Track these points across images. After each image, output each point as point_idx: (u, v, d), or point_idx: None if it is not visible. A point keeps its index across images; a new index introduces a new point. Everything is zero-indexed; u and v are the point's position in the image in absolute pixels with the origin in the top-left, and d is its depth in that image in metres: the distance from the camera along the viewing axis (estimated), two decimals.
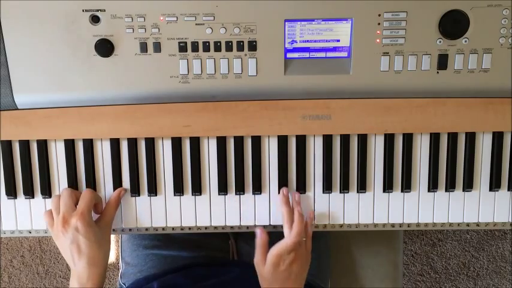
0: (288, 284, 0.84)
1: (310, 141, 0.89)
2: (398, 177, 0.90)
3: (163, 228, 0.92)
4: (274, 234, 0.88)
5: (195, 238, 1.05)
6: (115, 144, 0.89)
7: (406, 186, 0.90)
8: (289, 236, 0.83)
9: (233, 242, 1.07)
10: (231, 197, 0.90)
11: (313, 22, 0.83)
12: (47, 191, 0.90)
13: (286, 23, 0.83)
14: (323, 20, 0.83)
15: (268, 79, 0.85)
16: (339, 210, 0.91)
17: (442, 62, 0.84)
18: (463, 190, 0.90)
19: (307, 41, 0.85)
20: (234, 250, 1.07)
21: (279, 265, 0.83)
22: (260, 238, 0.86)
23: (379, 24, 0.83)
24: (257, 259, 0.86)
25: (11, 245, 1.75)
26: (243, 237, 1.08)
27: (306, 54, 0.86)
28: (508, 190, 0.91)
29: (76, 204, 0.84)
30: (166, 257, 1.04)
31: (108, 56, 0.84)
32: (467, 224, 0.92)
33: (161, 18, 0.82)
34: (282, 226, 0.87)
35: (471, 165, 0.90)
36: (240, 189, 0.90)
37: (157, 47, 0.83)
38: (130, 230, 0.92)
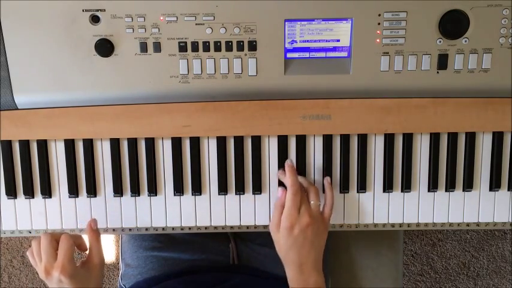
0: (304, 250, 0.83)
1: (310, 141, 0.89)
2: (398, 177, 0.90)
3: (163, 228, 0.92)
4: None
5: (195, 241, 1.05)
6: (115, 144, 0.89)
7: (406, 186, 0.90)
8: (287, 190, 0.83)
9: (233, 245, 1.06)
10: (231, 197, 0.90)
11: (313, 22, 0.83)
12: (47, 191, 0.90)
13: (286, 23, 0.83)
14: (323, 20, 0.83)
15: (268, 79, 0.85)
16: (339, 210, 0.91)
17: (442, 62, 0.84)
18: (463, 190, 0.90)
19: (307, 41, 0.85)
20: (235, 254, 1.06)
21: (293, 228, 0.82)
22: (281, 198, 0.84)
23: (379, 24, 0.83)
24: (273, 222, 0.85)
25: (11, 245, 1.75)
26: (244, 241, 1.07)
27: (306, 54, 0.86)
28: (508, 190, 0.91)
29: (57, 248, 0.81)
30: (167, 259, 1.04)
31: (108, 56, 0.84)
32: (467, 224, 0.92)
33: (161, 18, 0.82)
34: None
35: (471, 165, 0.90)
36: (240, 189, 0.90)
37: (157, 47, 0.83)
38: (130, 230, 0.92)
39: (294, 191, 0.83)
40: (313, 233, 0.83)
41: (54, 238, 0.82)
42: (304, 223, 0.82)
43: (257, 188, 0.90)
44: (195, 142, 0.89)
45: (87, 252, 0.86)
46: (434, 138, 0.89)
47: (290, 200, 0.83)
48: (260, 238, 1.06)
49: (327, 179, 0.88)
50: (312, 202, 0.84)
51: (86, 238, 0.87)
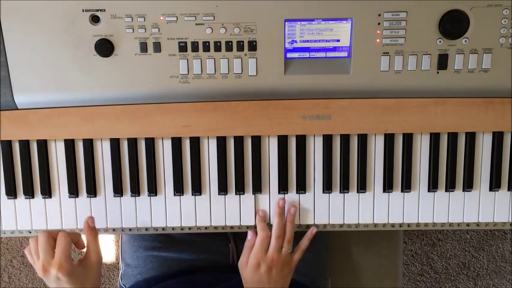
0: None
1: (310, 141, 0.89)
2: (398, 177, 0.90)
3: (163, 228, 0.92)
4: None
5: (195, 240, 1.05)
6: (115, 144, 0.89)
7: (406, 186, 0.90)
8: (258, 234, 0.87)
9: (233, 245, 1.06)
10: (231, 197, 0.90)
11: (313, 22, 0.83)
12: (47, 191, 0.90)
13: (286, 23, 0.83)
14: (323, 20, 0.83)
15: (268, 79, 0.85)
16: (339, 210, 0.91)
17: (442, 62, 0.84)
18: (463, 190, 0.90)
19: (307, 41, 0.85)
20: (234, 253, 1.06)
21: (259, 266, 0.86)
22: (250, 240, 0.89)
23: (379, 24, 0.83)
24: (242, 261, 0.89)
25: (11, 245, 1.75)
26: (243, 241, 1.07)
27: (306, 54, 0.86)
28: (508, 190, 0.91)
29: (55, 246, 0.81)
30: (167, 259, 1.04)
31: (108, 56, 0.84)
32: (467, 224, 0.92)
33: (161, 18, 0.82)
34: None
35: (471, 165, 0.90)
36: (240, 189, 0.90)
37: (157, 47, 0.83)
38: (130, 230, 0.92)
39: (262, 236, 0.87)
40: (278, 274, 0.87)
41: (52, 236, 0.82)
42: (270, 263, 0.86)
43: (257, 188, 0.90)
44: (195, 142, 0.89)
45: (85, 250, 0.86)
46: (434, 138, 0.89)
47: (259, 242, 0.87)
48: None
49: (313, 229, 0.91)
50: (283, 249, 0.88)
51: (84, 236, 0.87)
